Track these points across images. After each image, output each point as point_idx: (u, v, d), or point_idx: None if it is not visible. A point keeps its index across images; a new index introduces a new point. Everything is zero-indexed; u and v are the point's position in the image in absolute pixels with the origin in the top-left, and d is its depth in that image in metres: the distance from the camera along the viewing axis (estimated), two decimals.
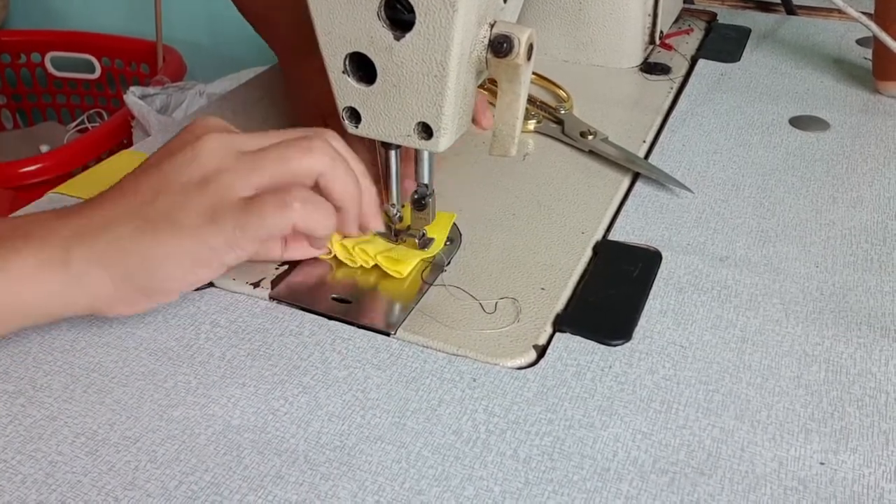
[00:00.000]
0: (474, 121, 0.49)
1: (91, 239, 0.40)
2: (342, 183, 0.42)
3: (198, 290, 0.47)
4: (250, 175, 0.41)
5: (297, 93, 0.60)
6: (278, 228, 0.40)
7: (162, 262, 0.40)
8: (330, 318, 0.45)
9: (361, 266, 0.48)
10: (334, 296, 0.46)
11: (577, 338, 0.43)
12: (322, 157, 0.42)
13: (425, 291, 0.46)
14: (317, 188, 0.42)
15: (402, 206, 0.49)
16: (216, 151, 0.41)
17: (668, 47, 0.78)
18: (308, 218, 0.41)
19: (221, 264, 0.41)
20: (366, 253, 0.48)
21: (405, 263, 0.47)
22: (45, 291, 0.39)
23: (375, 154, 0.50)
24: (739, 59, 0.76)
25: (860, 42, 0.78)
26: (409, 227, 0.49)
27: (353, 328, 0.44)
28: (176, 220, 0.40)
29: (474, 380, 0.41)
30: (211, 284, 0.47)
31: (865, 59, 0.73)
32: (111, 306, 0.41)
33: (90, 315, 0.42)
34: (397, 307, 0.45)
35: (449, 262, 0.48)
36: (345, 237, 0.48)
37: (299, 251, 0.47)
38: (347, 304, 0.46)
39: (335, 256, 0.48)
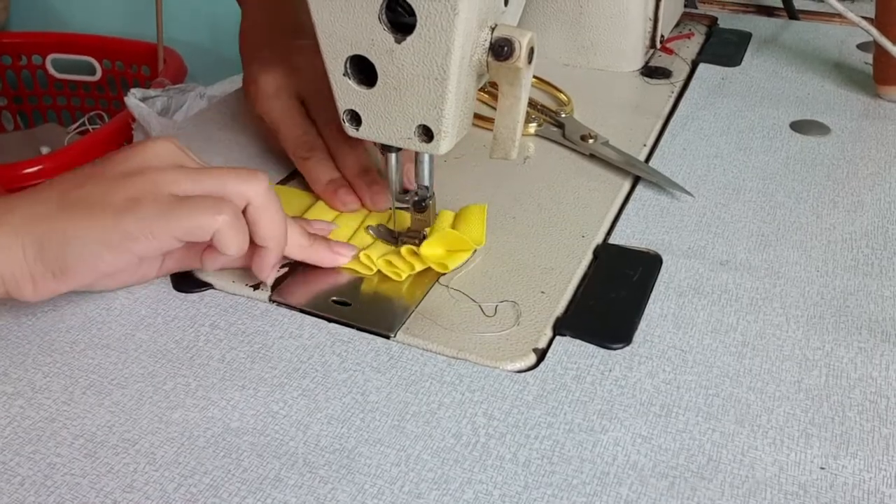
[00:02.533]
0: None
1: (13, 214, 0.40)
2: (271, 220, 0.43)
3: (197, 292, 0.47)
4: (184, 180, 0.41)
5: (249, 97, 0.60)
6: (201, 230, 0.40)
7: (71, 239, 0.40)
8: (330, 320, 0.45)
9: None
10: (334, 298, 0.46)
11: (577, 341, 0.43)
12: (258, 188, 0.42)
13: (425, 294, 0.46)
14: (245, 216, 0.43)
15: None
16: (159, 153, 0.42)
17: (669, 51, 0.78)
18: (229, 232, 0.41)
19: (130, 251, 0.40)
20: (414, 256, 0.47)
21: (452, 258, 0.47)
22: None
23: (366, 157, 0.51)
24: (740, 64, 0.76)
25: (861, 47, 0.78)
26: (409, 229, 0.49)
27: (352, 331, 0.44)
28: (95, 203, 0.40)
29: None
30: (210, 286, 0.47)
31: (866, 63, 0.73)
32: (20, 286, 0.40)
33: (5, 301, 0.42)
34: (397, 310, 0.45)
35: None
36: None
37: (219, 261, 0.45)
38: (347, 306, 0.46)
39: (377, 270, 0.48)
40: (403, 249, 0.47)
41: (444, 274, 0.47)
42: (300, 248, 0.46)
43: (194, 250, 0.45)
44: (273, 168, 0.59)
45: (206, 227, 0.40)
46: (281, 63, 0.55)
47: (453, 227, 0.50)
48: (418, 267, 0.47)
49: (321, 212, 0.52)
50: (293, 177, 0.58)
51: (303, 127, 0.54)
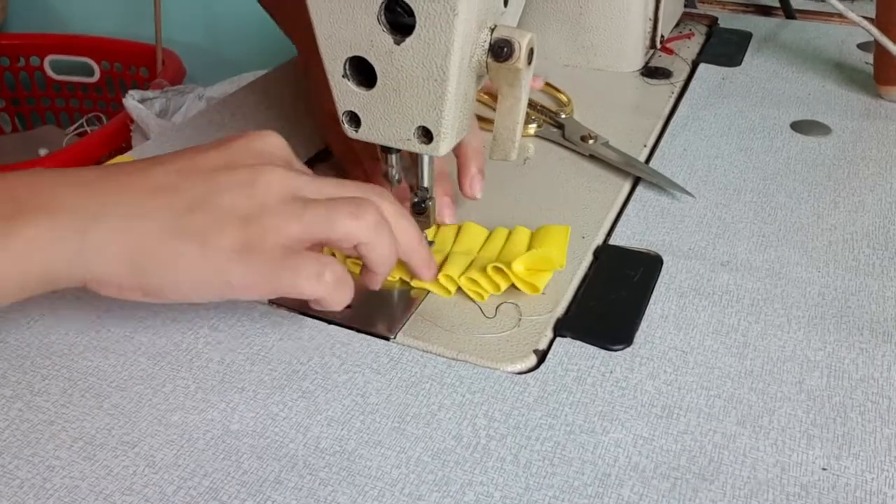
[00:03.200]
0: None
1: (113, 223, 0.38)
2: (379, 254, 0.42)
3: None
4: (294, 224, 0.39)
5: (313, 96, 0.59)
6: (301, 293, 0.40)
7: (176, 271, 0.38)
8: (329, 322, 0.45)
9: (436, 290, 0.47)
10: None
11: (578, 342, 0.43)
12: (366, 225, 0.40)
13: (425, 296, 0.46)
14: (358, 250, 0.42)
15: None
16: (272, 189, 0.40)
17: (669, 51, 0.78)
18: (332, 295, 0.40)
19: (227, 297, 0.40)
20: (500, 275, 0.46)
21: (540, 278, 0.45)
22: (52, 263, 0.37)
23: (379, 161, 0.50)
24: (740, 64, 0.76)
25: (861, 46, 0.78)
26: None
27: (352, 333, 0.44)
28: (207, 241, 0.38)
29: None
30: None
31: (867, 63, 0.73)
32: (103, 286, 0.39)
33: (80, 286, 0.40)
34: (397, 311, 0.45)
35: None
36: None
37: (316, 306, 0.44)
38: (347, 308, 0.45)
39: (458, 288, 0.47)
40: (490, 268, 0.45)
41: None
42: (412, 251, 0.44)
43: None
44: None
45: (307, 293, 0.40)
46: None
47: (531, 244, 0.48)
48: (504, 287, 0.46)
49: None
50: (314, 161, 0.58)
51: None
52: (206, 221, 0.39)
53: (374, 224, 0.41)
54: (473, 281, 0.46)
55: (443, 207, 0.51)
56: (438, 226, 0.51)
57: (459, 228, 0.51)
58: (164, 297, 0.40)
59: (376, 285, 0.44)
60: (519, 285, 0.45)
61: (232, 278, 0.38)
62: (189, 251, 0.38)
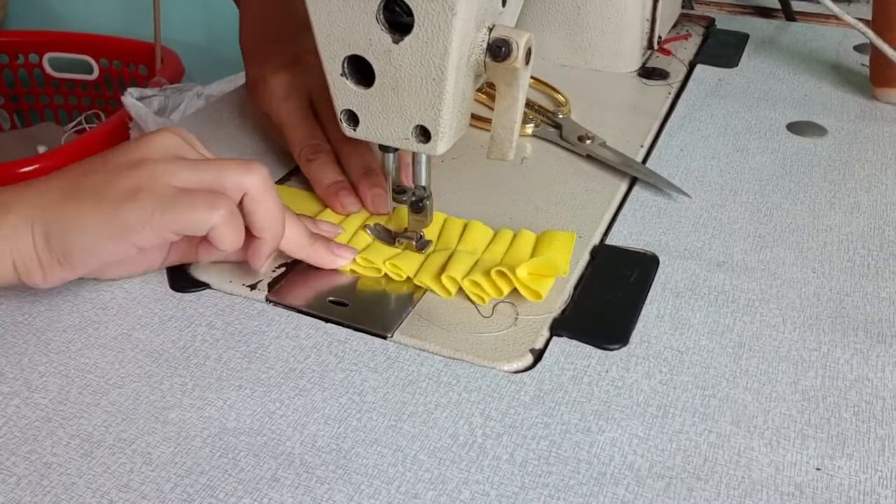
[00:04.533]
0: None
1: (24, 202, 0.41)
2: (267, 211, 0.43)
3: (193, 291, 0.46)
4: (183, 170, 0.42)
5: (255, 96, 0.60)
6: (198, 225, 0.41)
7: (76, 227, 0.41)
8: (326, 320, 0.45)
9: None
10: (331, 298, 0.46)
11: (574, 342, 0.43)
12: (256, 178, 0.42)
13: (422, 295, 0.46)
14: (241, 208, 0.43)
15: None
16: (160, 145, 0.43)
17: (667, 52, 0.78)
18: (225, 228, 0.41)
19: (129, 241, 0.41)
20: (503, 280, 0.45)
21: (542, 284, 0.45)
22: None
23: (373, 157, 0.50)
24: (737, 65, 0.76)
25: (857, 48, 0.78)
26: (406, 230, 0.49)
27: (349, 331, 0.44)
28: (99, 193, 0.41)
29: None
30: (207, 286, 0.47)
31: (863, 65, 0.73)
32: (30, 272, 0.41)
33: (10, 287, 0.43)
34: (394, 310, 0.45)
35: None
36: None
37: (214, 254, 0.45)
38: (344, 306, 0.46)
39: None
40: (493, 272, 0.45)
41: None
42: (300, 247, 0.46)
43: (195, 242, 0.45)
44: (274, 167, 0.59)
45: (202, 222, 0.41)
46: (291, 63, 0.56)
47: (536, 249, 0.48)
48: (506, 291, 0.45)
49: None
50: (291, 175, 0.58)
51: (310, 129, 0.55)
52: (100, 179, 0.42)
53: (264, 178, 0.43)
54: (476, 283, 0.45)
55: (377, 198, 0.52)
56: (445, 220, 0.51)
57: (466, 226, 0.50)
58: (77, 261, 0.42)
59: (261, 259, 0.44)
60: (521, 291, 0.45)
61: (126, 216, 0.40)
62: (85, 205, 0.41)
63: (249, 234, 0.43)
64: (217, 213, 0.41)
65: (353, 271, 0.48)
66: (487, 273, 0.46)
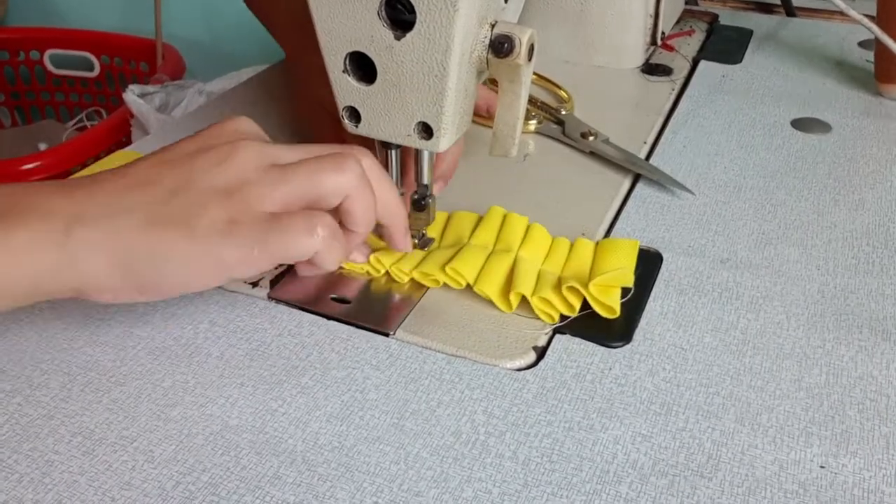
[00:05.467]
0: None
1: (94, 222, 0.38)
2: (364, 207, 0.41)
3: None
4: (278, 187, 0.39)
5: (298, 91, 0.59)
6: (299, 254, 0.39)
7: (166, 261, 0.38)
8: (329, 318, 0.45)
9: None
10: (333, 296, 0.46)
11: (577, 339, 0.43)
12: (351, 177, 0.40)
13: (424, 292, 0.46)
14: (339, 206, 0.41)
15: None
16: (249, 161, 0.40)
17: (670, 48, 0.78)
18: (327, 251, 0.40)
19: (226, 277, 0.39)
20: (575, 296, 0.43)
21: (613, 297, 0.43)
22: (37, 270, 0.37)
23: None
24: (741, 61, 0.75)
25: (862, 44, 0.78)
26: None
27: (351, 328, 0.44)
28: (191, 224, 0.38)
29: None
30: None
31: (867, 61, 0.73)
32: (99, 292, 0.39)
33: (75, 297, 0.40)
34: (396, 307, 0.45)
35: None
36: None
37: (309, 270, 0.45)
38: (346, 304, 0.45)
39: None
40: (564, 289, 0.43)
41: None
42: (391, 215, 0.44)
43: None
44: None
45: (304, 251, 0.39)
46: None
47: (597, 258, 0.46)
48: (577, 307, 0.43)
49: None
50: None
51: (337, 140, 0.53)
52: (188, 204, 0.38)
53: (358, 175, 0.41)
54: (546, 301, 0.43)
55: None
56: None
57: (528, 229, 0.49)
58: (162, 291, 0.39)
59: (352, 251, 0.44)
60: (594, 306, 0.43)
61: (223, 254, 0.38)
62: (175, 237, 0.38)
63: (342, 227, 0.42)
64: (317, 238, 0.39)
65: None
66: (556, 289, 0.44)
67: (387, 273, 0.47)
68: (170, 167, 0.40)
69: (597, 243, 0.48)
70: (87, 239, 0.37)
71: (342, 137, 0.51)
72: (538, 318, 0.44)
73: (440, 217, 0.51)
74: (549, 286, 0.44)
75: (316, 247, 0.39)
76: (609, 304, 0.43)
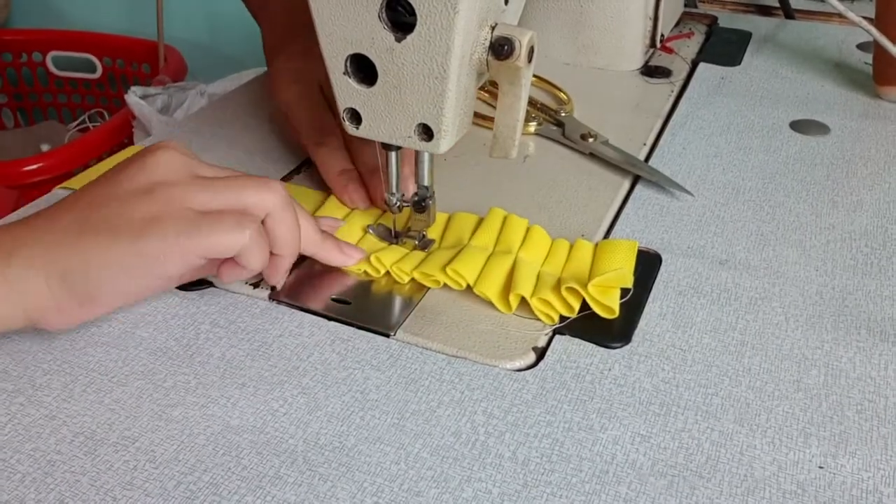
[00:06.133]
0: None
1: (31, 245, 0.39)
2: (288, 228, 0.42)
3: (197, 290, 0.47)
4: (202, 193, 0.40)
5: (269, 92, 0.60)
6: (227, 247, 0.39)
7: (97, 266, 0.39)
8: (329, 318, 0.45)
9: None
10: (334, 297, 0.46)
11: (577, 340, 0.43)
12: (276, 196, 0.41)
13: (425, 293, 0.46)
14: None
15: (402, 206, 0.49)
16: (169, 164, 0.41)
17: (669, 51, 0.78)
18: (254, 248, 0.40)
19: (154, 274, 0.40)
20: (574, 297, 0.43)
21: (612, 298, 0.43)
22: None
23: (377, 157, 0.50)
24: (740, 63, 0.76)
25: (861, 46, 0.78)
26: (409, 229, 0.49)
27: (352, 329, 0.44)
28: (115, 225, 0.39)
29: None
30: (211, 284, 0.47)
31: (866, 63, 0.73)
32: (46, 317, 0.40)
33: (28, 329, 0.41)
34: (397, 308, 0.45)
35: None
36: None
37: (238, 274, 0.43)
38: (347, 304, 0.46)
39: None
40: (564, 289, 0.43)
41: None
42: (313, 243, 0.45)
43: (217, 262, 0.43)
44: (277, 165, 0.59)
45: (232, 244, 0.39)
46: (302, 52, 0.54)
47: (596, 260, 0.46)
48: (577, 308, 0.44)
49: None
50: (298, 171, 0.58)
51: (318, 111, 0.54)
52: (111, 212, 0.39)
53: (283, 196, 0.41)
54: (545, 302, 0.44)
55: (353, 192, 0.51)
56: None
57: (528, 231, 0.49)
58: (101, 302, 0.40)
59: (279, 274, 0.44)
60: (594, 307, 0.44)
61: (148, 247, 0.38)
62: (101, 241, 0.39)
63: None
64: (246, 233, 0.39)
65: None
66: (555, 289, 0.44)
67: (387, 273, 0.47)
68: (94, 185, 0.41)
69: (596, 244, 0.48)
70: (24, 262, 0.39)
71: (303, 143, 0.54)
72: (538, 319, 0.44)
73: (441, 218, 0.51)
74: (549, 287, 0.44)
75: (244, 242, 0.39)
76: (608, 304, 0.43)
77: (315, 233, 0.45)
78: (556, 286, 0.45)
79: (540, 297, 0.44)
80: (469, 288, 0.45)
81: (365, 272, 0.47)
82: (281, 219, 0.42)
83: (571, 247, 0.48)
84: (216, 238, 0.39)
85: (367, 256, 0.47)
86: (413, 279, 0.47)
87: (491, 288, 0.45)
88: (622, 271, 0.44)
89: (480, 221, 0.50)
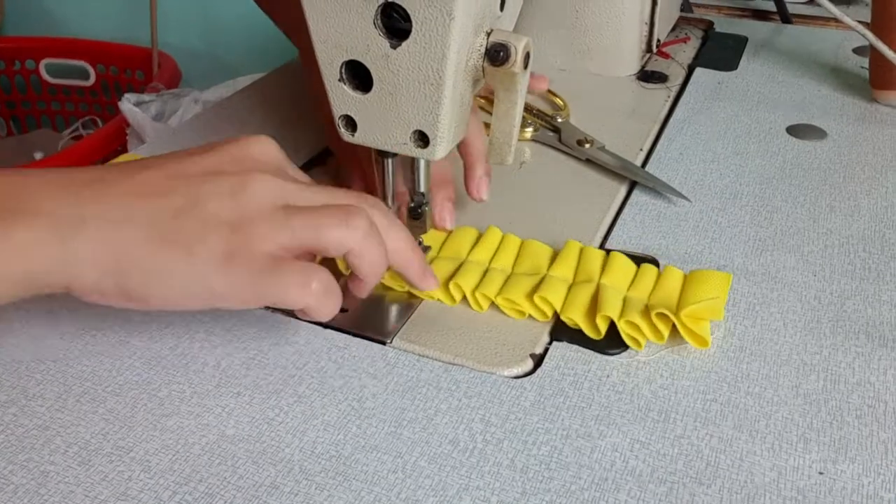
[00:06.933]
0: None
1: (96, 228, 0.37)
2: (369, 263, 0.41)
3: None
4: (281, 232, 0.39)
5: (314, 98, 0.59)
6: (290, 303, 0.39)
7: (160, 278, 0.38)
8: (325, 326, 0.44)
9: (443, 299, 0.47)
10: None
11: (575, 347, 0.43)
12: (356, 233, 0.40)
13: (422, 301, 0.46)
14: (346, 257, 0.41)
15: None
16: (262, 198, 0.39)
17: (666, 56, 0.78)
18: (319, 304, 0.39)
19: (212, 305, 0.39)
20: (664, 322, 0.42)
21: (704, 328, 0.42)
22: (33, 268, 0.37)
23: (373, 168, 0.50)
24: (736, 68, 0.76)
25: (857, 51, 0.78)
26: None
27: (348, 337, 0.44)
28: (191, 247, 0.38)
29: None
30: None
31: (862, 67, 0.73)
32: (87, 293, 0.38)
33: (62, 292, 0.39)
34: (393, 316, 0.45)
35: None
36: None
37: (302, 315, 0.42)
38: (343, 312, 0.45)
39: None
40: (654, 315, 0.42)
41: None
42: (400, 262, 0.43)
43: None
44: None
45: (293, 302, 0.39)
46: None
47: (686, 288, 0.44)
48: (666, 335, 0.42)
49: None
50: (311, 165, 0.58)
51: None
52: (192, 228, 0.38)
53: (364, 232, 0.40)
54: (633, 325, 0.43)
55: (444, 212, 0.50)
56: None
57: (606, 259, 0.47)
58: (149, 304, 0.39)
59: (364, 294, 0.43)
60: (685, 335, 0.42)
61: (216, 285, 0.38)
62: (173, 259, 0.38)
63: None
64: (308, 292, 0.39)
65: (436, 300, 0.47)
66: (644, 314, 0.43)
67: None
68: (180, 184, 0.39)
69: (685, 274, 0.46)
70: (87, 243, 0.37)
71: (358, 155, 0.52)
72: (534, 325, 0.44)
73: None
74: (637, 311, 0.43)
75: (307, 301, 0.39)
76: (700, 334, 0.42)
77: (406, 251, 0.43)
78: (645, 311, 0.43)
79: (627, 321, 0.43)
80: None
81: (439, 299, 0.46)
82: (361, 253, 0.40)
83: (659, 274, 0.46)
84: (278, 292, 0.38)
85: (446, 283, 0.46)
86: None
87: (577, 313, 0.43)
88: (716, 301, 0.43)
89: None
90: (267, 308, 0.46)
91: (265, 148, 0.42)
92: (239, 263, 0.38)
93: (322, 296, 0.39)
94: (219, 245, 0.38)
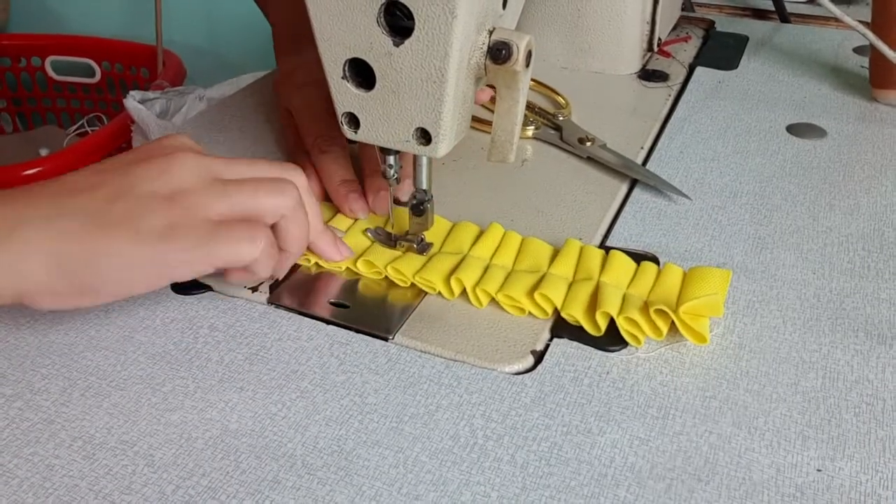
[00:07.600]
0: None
1: (35, 225, 0.38)
2: (299, 228, 0.43)
3: (195, 293, 0.47)
4: (219, 199, 0.41)
5: (276, 93, 0.61)
6: (239, 258, 0.40)
7: (107, 261, 0.39)
8: (328, 322, 0.45)
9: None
10: (332, 300, 0.46)
11: (575, 343, 0.43)
12: (289, 201, 0.42)
13: (423, 297, 0.46)
14: (274, 226, 0.43)
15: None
16: (190, 170, 0.41)
17: (667, 55, 0.79)
18: (264, 259, 0.41)
19: (166, 279, 0.40)
20: (663, 318, 0.42)
21: (703, 325, 0.42)
22: None
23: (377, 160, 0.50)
24: (737, 67, 0.76)
25: (857, 50, 0.78)
26: (407, 232, 0.49)
27: (350, 333, 0.44)
28: (134, 226, 0.39)
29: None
30: (209, 288, 0.47)
31: (862, 67, 0.74)
32: (38, 297, 0.39)
33: (14, 304, 0.39)
34: (395, 312, 0.45)
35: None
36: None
37: (240, 277, 0.44)
38: (345, 308, 0.46)
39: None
40: (653, 311, 0.42)
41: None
42: (314, 233, 0.46)
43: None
44: None
45: (244, 257, 0.40)
46: (315, 57, 0.55)
47: (685, 285, 0.44)
48: (665, 331, 0.42)
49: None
50: None
51: (327, 121, 0.54)
52: (130, 208, 0.39)
53: (296, 200, 0.43)
54: (632, 321, 0.43)
55: (380, 200, 0.52)
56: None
57: (606, 258, 0.47)
58: (102, 294, 0.40)
59: (285, 269, 0.45)
60: (683, 331, 0.42)
61: (168, 256, 0.39)
62: (118, 241, 0.38)
63: None
64: (258, 246, 0.40)
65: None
66: (643, 311, 0.43)
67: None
68: (110, 174, 0.41)
69: (685, 271, 0.46)
70: (27, 241, 0.38)
71: (303, 143, 0.55)
72: (534, 322, 0.44)
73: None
74: (636, 308, 0.43)
75: (255, 255, 0.40)
76: (699, 331, 0.42)
77: (318, 223, 0.46)
78: (644, 308, 0.43)
79: (626, 317, 0.43)
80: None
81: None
82: (293, 219, 0.43)
83: (659, 271, 0.46)
84: (229, 250, 0.40)
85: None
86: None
87: (577, 310, 0.44)
88: (715, 298, 0.43)
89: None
90: (270, 303, 0.46)
91: (182, 139, 0.44)
92: (185, 231, 0.39)
93: (268, 249, 0.41)
94: (160, 219, 0.39)
